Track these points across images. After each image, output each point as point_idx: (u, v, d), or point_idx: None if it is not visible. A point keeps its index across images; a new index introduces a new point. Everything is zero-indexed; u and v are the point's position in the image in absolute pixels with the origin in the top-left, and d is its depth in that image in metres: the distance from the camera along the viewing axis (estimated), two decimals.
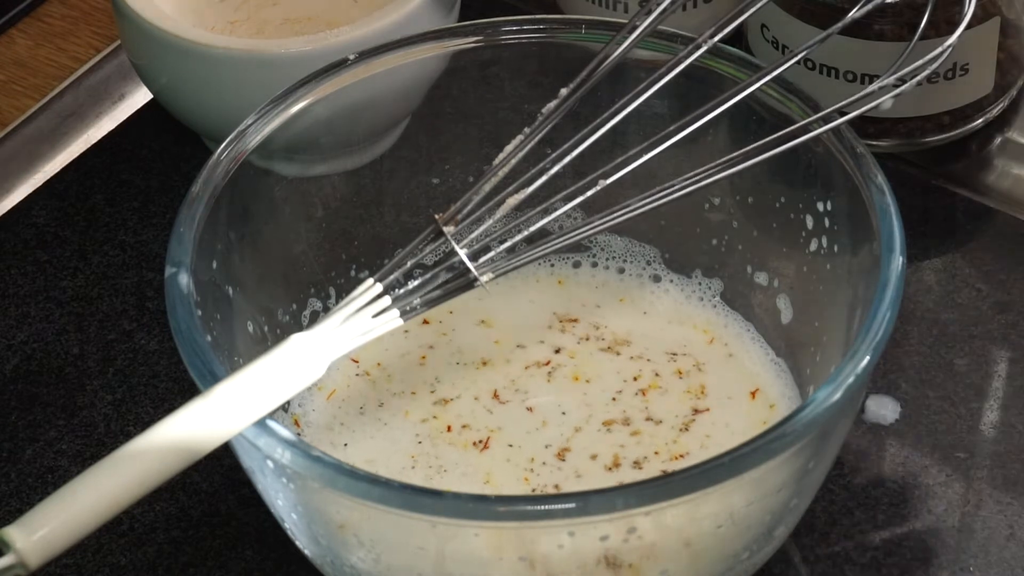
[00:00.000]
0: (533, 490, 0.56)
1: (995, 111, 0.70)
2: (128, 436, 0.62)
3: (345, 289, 0.62)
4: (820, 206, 0.57)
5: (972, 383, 0.62)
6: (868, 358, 0.50)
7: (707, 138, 0.60)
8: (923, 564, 0.57)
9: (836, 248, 0.57)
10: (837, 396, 0.49)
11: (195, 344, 0.51)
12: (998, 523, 0.58)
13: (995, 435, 0.61)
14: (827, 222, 0.57)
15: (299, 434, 0.58)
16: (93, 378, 0.65)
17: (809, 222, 0.58)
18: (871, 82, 0.68)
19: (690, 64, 0.56)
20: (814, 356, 0.58)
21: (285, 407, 0.59)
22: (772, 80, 0.55)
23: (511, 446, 0.58)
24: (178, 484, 0.61)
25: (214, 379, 0.50)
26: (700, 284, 0.62)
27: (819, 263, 0.58)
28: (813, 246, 0.58)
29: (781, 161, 0.56)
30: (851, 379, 0.49)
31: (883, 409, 0.62)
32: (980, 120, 0.70)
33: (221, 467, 0.60)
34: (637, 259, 0.63)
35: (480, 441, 0.58)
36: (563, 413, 0.59)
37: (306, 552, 0.54)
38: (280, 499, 0.52)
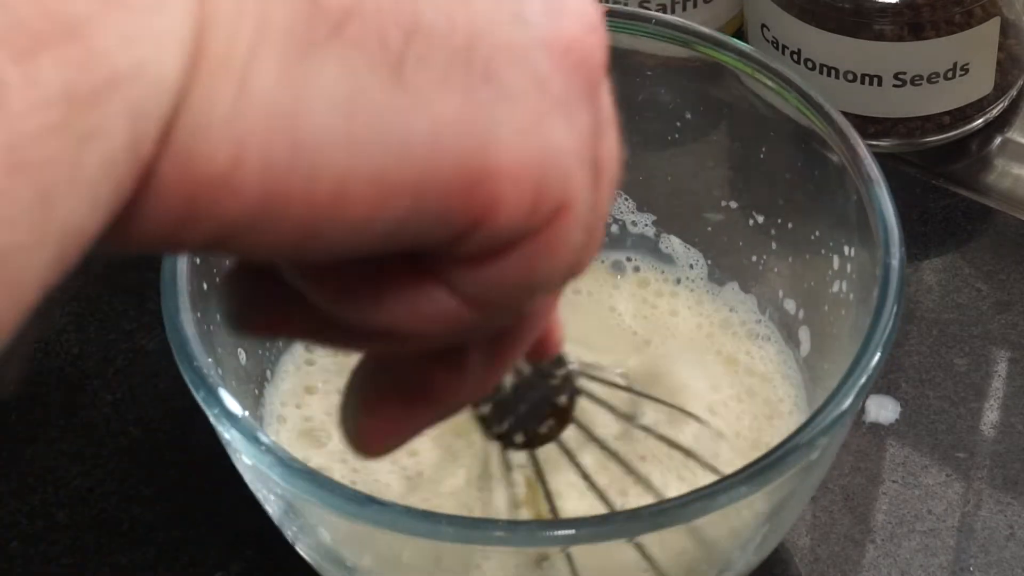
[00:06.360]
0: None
1: (995, 111, 0.70)
2: (128, 436, 0.63)
3: None
4: (846, 250, 0.56)
5: (972, 383, 0.62)
6: (850, 400, 0.48)
7: (710, 140, 0.59)
8: (923, 564, 0.57)
9: (852, 297, 0.55)
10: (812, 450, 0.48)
11: (177, 323, 0.51)
12: (998, 523, 0.58)
13: (995, 435, 0.61)
14: (848, 268, 0.55)
15: None
16: (93, 378, 0.65)
17: (835, 263, 0.56)
18: (871, 82, 0.68)
19: (694, 56, 0.56)
20: (818, 397, 0.56)
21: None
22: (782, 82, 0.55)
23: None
24: (178, 484, 0.61)
25: (190, 360, 0.50)
26: (745, 301, 0.61)
27: (839, 305, 0.56)
28: (835, 288, 0.56)
29: (818, 192, 0.55)
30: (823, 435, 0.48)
31: (883, 409, 0.62)
32: (980, 120, 0.70)
33: (221, 467, 0.60)
34: (682, 261, 0.63)
35: None
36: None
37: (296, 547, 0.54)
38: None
